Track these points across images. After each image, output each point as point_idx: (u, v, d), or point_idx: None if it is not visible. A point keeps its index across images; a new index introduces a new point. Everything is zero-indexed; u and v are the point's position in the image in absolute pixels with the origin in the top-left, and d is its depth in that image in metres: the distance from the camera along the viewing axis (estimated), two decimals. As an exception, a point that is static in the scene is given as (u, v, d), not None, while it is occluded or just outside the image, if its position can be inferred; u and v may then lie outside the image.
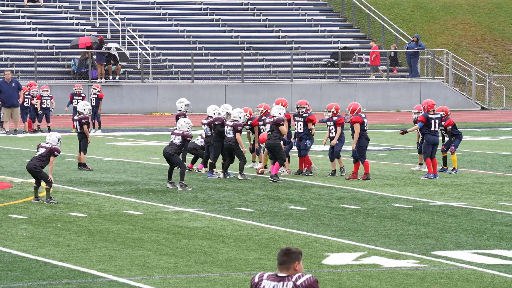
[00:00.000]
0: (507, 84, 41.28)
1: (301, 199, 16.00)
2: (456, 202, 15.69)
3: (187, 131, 17.30)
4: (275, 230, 13.29)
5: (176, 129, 17.47)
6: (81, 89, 30.04)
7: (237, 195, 16.48)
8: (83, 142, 19.72)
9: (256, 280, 6.38)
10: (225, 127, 18.54)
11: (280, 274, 6.41)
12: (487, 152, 23.75)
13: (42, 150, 15.51)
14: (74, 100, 29.51)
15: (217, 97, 38.09)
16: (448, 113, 19.49)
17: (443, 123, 19.34)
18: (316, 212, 14.75)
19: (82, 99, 29.37)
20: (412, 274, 10.76)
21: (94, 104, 29.78)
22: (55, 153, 15.42)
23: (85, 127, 19.67)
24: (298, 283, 6.32)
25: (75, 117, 20.28)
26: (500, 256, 11.67)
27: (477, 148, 24.88)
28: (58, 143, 15.57)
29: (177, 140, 17.21)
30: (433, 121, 18.74)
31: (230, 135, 18.42)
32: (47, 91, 30.25)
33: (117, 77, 38.29)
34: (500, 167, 20.59)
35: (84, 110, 19.86)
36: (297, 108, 19.04)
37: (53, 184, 16.03)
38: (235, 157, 18.54)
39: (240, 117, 18.56)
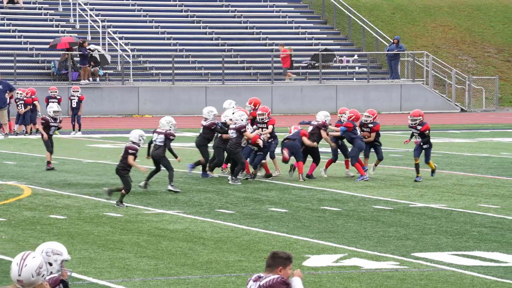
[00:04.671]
0: (487, 86, 41.50)
1: (282, 201, 16.01)
2: (436, 204, 15.75)
3: (169, 129, 17.26)
4: (255, 232, 13.29)
5: (159, 128, 17.45)
6: (56, 91, 29.89)
7: (218, 197, 16.47)
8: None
9: (249, 278, 6.60)
10: (229, 131, 18.44)
11: (261, 275, 6.47)
12: (466, 154, 23.85)
13: (123, 152, 15.53)
14: (49, 103, 29.42)
15: (197, 99, 38.07)
16: (422, 118, 18.69)
17: (419, 127, 18.60)
18: (296, 214, 14.77)
19: (59, 102, 29.33)
20: (392, 275, 10.79)
21: (75, 106, 29.69)
22: (130, 151, 15.36)
23: (41, 126, 19.99)
24: (261, 283, 6.40)
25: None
26: (479, 257, 11.72)
27: (457, 150, 24.98)
28: (140, 140, 15.57)
29: (160, 139, 17.17)
30: (358, 128, 18.85)
31: (234, 136, 18.26)
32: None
33: (97, 79, 38.20)
34: (479, 168, 20.68)
35: (49, 112, 20.18)
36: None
37: (36, 187, 15.95)
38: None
39: (242, 120, 18.51)
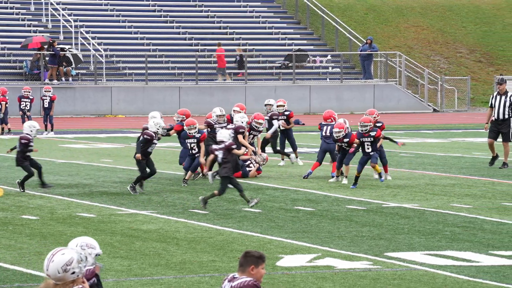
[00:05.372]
0: (459, 86, 41.76)
1: (255, 201, 16.01)
2: (408, 203, 15.82)
3: (156, 131, 16.84)
4: (229, 232, 13.29)
5: None
6: (29, 91, 29.74)
7: (191, 197, 16.45)
8: None
9: (225, 277, 6.63)
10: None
11: (235, 275, 6.48)
12: (439, 154, 23.98)
13: (220, 154, 15.23)
14: (22, 103, 29.24)
15: (171, 99, 38.01)
16: (376, 124, 17.41)
17: (372, 134, 17.31)
18: (270, 214, 14.79)
19: (31, 102, 29.18)
20: (366, 275, 10.83)
21: (46, 106, 29.57)
22: (232, 146, 15.23)
23: None
24: (233, 284, 6.41)
25: None
26: (451, 257, 11.79)
27: (430, 150, 25.11)
28: (229, 139, 15.42)
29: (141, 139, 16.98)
30: (324, 127, 18.72)
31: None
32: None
33: (70, 79, 38.03)
34: (452, 168, 20.80)
35: None
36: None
37: (8, 188, 15.82)
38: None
39: (242, 122, 18.29)
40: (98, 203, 15.82)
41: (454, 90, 41.45)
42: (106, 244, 12.41)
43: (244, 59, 39.44)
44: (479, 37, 46.14)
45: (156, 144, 16.98)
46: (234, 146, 15.30)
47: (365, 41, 40.95)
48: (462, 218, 14.44)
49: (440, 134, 30.60)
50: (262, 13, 43.57)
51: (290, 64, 40.09)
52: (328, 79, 40.62)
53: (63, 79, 37.81)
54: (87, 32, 39.88)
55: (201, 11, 43.19)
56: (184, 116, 18.70)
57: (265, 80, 39.94)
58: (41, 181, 17.23)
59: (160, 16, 42.44)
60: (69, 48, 38.26)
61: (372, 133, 17.35)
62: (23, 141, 17.18)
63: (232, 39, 41.87)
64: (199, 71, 39.00)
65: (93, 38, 39.65)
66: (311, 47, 42.11)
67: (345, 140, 17.67)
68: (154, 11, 42.63)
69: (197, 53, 39.84)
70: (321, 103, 39.22)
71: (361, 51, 40.53)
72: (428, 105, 40.86)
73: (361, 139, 17.43)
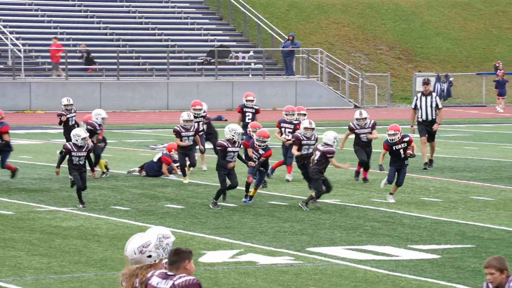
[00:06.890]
0: (379, 83, 42.31)
1: (178, 197, 15.96)
2: (330, 199, 15.95)
3: (231, 137, 15.28)
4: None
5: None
6: None
7: (113, 194, 16.30)
8: None
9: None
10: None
11: (168, 273, 6.47)
12: (360, 150, 24.20)
13: (317, 154, 14.82)
14: None
15: (92, 95, 37.59)
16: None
17: (406, 139, 15.86)
18: (193, 210, 14.75)
19: None
20: (287, 270, 10.88)
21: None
22: (328, 155, 14.86)
23: None
24: (176, 282, 6.38)
25: None
26: (372, 251, 11.93)
27: (350, 146, 25.35)
28: (334, 142, 14.96)
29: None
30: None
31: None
32: None
33: (-12, 73, 37.33)
34: (372, 164, 21.03)
35: None
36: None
37: None
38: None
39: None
40: (16, 200, 15.55)
41: (374, 87, 41.97)
42: (24, 242, 12.21)
43: (91, 55, 38.75)
44: (398, 34, 46.81)
45: (235, 152, 15.26)
46: (330, 156, 14.88)
47: (287, 38, 41.14)
48: (382, 213, 14.63)
49: (360, 130, 30.88)
50: (184, 9, 43.42)
51: (212, 60, 40.05)
52: (250, 75, 40.68)
53: (-19, 74, 37.09)
54: (5, 27, 39.15)
55: (122, 6, 42.81)
56: None
57: (187, 76, 39.81)
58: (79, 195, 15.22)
59: (81, 11, 41.93)
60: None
61: (406, 139, 15.90)
62: (63, 150, 15.56)
63: (154, 34, 41.62)
64: (120, 66, 38.66)
65: (11, 32, 38.95)
66: (234, 43, 42.12)
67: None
68: (74, 5, 42.09)
69: (118, 48, 39.49)
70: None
71: (283, 47, 40.70)
72: (349, 101, 41.28)
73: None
